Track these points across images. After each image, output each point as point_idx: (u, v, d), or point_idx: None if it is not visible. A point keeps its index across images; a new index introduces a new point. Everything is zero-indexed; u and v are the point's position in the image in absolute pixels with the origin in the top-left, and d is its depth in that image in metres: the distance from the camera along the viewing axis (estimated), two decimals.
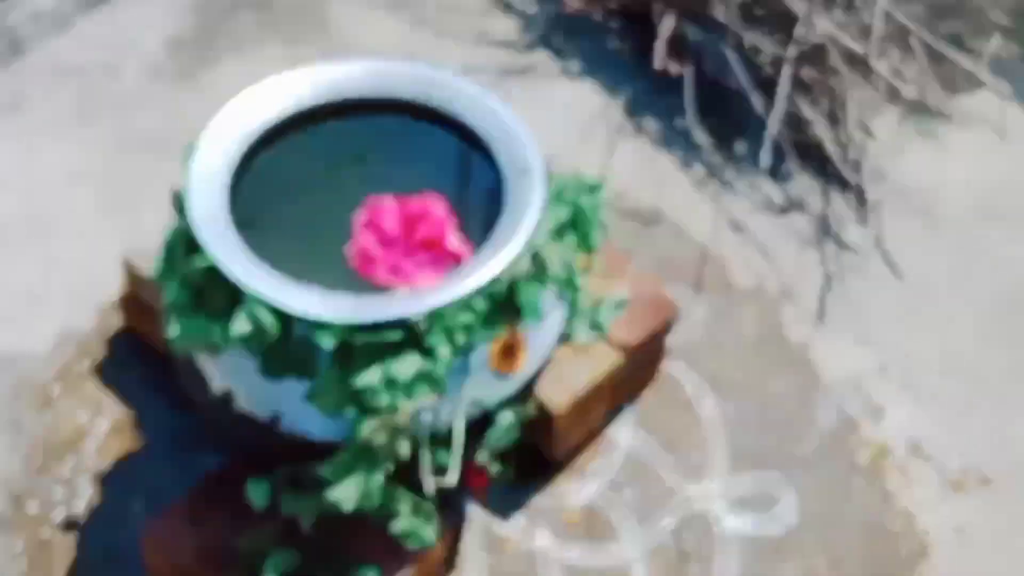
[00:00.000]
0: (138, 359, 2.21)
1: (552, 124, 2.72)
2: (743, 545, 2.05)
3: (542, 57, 2.93)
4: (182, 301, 1.58)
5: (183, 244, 1.61)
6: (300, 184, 1.70)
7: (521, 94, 2.81)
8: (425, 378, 1.52)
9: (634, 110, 2.82)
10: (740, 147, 2.75)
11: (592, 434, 2.16)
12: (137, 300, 2.15)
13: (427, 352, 1.52)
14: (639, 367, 2.15)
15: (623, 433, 2.19)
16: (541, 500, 2.08)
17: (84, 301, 2.30)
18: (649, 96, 2.85)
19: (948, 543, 2.06)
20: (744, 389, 2.28)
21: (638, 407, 2.23)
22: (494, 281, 1.56)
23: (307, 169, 1.72)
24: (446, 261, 1.61)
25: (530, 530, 2.05)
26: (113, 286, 2.30)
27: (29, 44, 2.82)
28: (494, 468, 1.75)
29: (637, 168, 2.69)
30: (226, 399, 1.60)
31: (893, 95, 2.69)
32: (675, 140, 2.75)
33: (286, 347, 1.53)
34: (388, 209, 1.62)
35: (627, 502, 2.10)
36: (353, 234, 1.61)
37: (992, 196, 2.66)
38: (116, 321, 2.26)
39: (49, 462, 2.06)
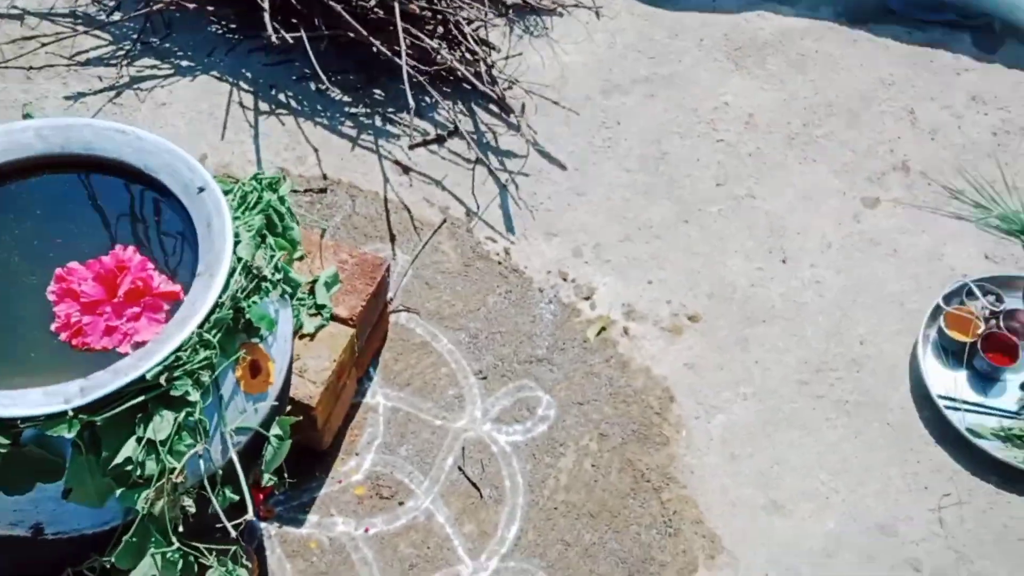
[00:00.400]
0: None
1: (186, 127, 2.64)
2: (520, 453, 2.18)
3: (149, 62, 2.81)
4: None
5: None
6: None
7: (142, 107, 2.69)
8: (185, 429, 1.47)
9: (264, 88, 2.78)
10: (379, 92, 2.80)
11: (351, 409, 2.19)
12: None
13: (178, 403, 1.46)
14: (370, 331, 2.19)
15: (378, 397, 2.24)
16: (326, 490, 2.09)
17: None
18: (273, 70, 2.82)
19: (685, 380, 2.30)
20: (467, 315, 2.38)
21: (381, 367, 2.28)
22: (218, 307, 1.52)
23: None
24: (160, 305, 1.54)
25: (326, 522, 2.06)
26: None
27: None
28: (270, 481, 1.73)
29: (291, 142, 2.67)
30: None
31: (494, 4, 2.83)
32: (316, 105, 2.75)
33: (23, 456, 1.42)
34: (81, 275, 1.52)
35: (406, 457, 2.16)
36: (53, 310, 1.50)
37: (606, 70, 2.91)
38: None
39: None
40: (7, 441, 1.37)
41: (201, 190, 1.63)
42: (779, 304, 2.42)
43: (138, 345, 1.50)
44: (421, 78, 2.65)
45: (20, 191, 1.67)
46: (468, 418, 2.23)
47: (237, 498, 1.58)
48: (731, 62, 2.96)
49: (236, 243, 1.61)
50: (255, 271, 1.62)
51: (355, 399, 2.21)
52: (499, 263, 2.48)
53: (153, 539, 1.48)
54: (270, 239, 1.71)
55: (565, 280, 2.47)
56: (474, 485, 2.13)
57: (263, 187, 1.74)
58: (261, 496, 1.81)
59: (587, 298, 2.44)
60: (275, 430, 1.66)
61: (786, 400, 2.28)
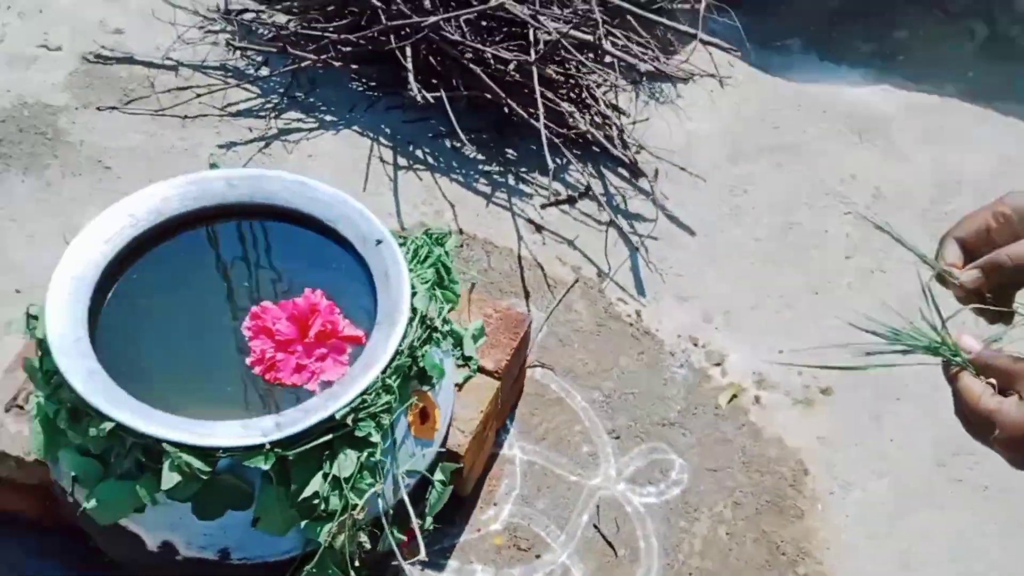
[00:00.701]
0: (11, 533, 2.03)
1: (331, 178, 2.74)
2: (655, 514, 2.20)
3: (294, 116, 2.93)
4: (88, 472, 1.50)
5: (64, 415, 1.52)
6: (160, 314, 1.64)
7: (289, 157, 2.81)
8: (366, 468, 1.53)
9: (403, 144, 2.88)
10: (511, 152, 2.89)
11: (490, 459, 2.23)
12: None
13: (360, 443, 1.53)
14: (511, 384, 2.24)
15: (515, 449, 2.28)
16: (466, 537, 2.13)
17: None
18: (411, 127, 2.93)
19: (818, 453, 2.31)
20: (600, 374, 2.43)
21: (518, 420, 2.33)
22: (398, 355, 1.59)
23: (162, 296, 1.66)
24: (344, 348, 1.62)
25: (466, 568, 2.09)
26: None
27: None
28: (430, 525, 1.78)
29: (428, 198, 2.76)
30: (166, 551, 1.54)
31: (624, 71, 2.92)
32: (452, 162, 2.85)
33: (218, 485, 1.49)
34: (276, 314, 1.61)
35: (543, 510, 2.19)
36: (248, 345, 1.59)
37: (732, 139, 2.97)
38: None
39: None
40: (208, 469, 1.45)
41: (379, 242, 1.72)
42: (913, 383, 2.42)
43: (324, 384, 1.58)
44: (557, 140, 2.73)
45: (212, 235, 1.77)
46: (602, 476, 2.26)
47: (404, 538, 1.64)
48: (855, 135, 3.00)
49: (413, 294, 1.68)
50: (428, 322, 1.69)
51: (493, 449, 2.26)
52: (631, 324, 2.53)
53: (331, 571, 1.54)
54: (438, 292, 1.78)
55: (696, 345, 2.50)
56: (609, 544, 2.15)
57: (433, 241, 1.82)
58: (406, 539, 1.86)
59: (718, 364, 2.47)
60: (439, 475, 1.72)
61: (923, 481, 2.27)
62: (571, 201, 2.78)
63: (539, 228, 2.71)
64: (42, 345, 1.55)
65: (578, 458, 2.28)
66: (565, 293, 2.57)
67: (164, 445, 1.43)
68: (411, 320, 1.64)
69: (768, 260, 2.68)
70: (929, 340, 1.02)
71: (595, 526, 2.17)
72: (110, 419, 1.44)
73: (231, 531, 1.53)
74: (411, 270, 1.73)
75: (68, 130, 2.81)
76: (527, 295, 2.56)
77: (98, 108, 2.87)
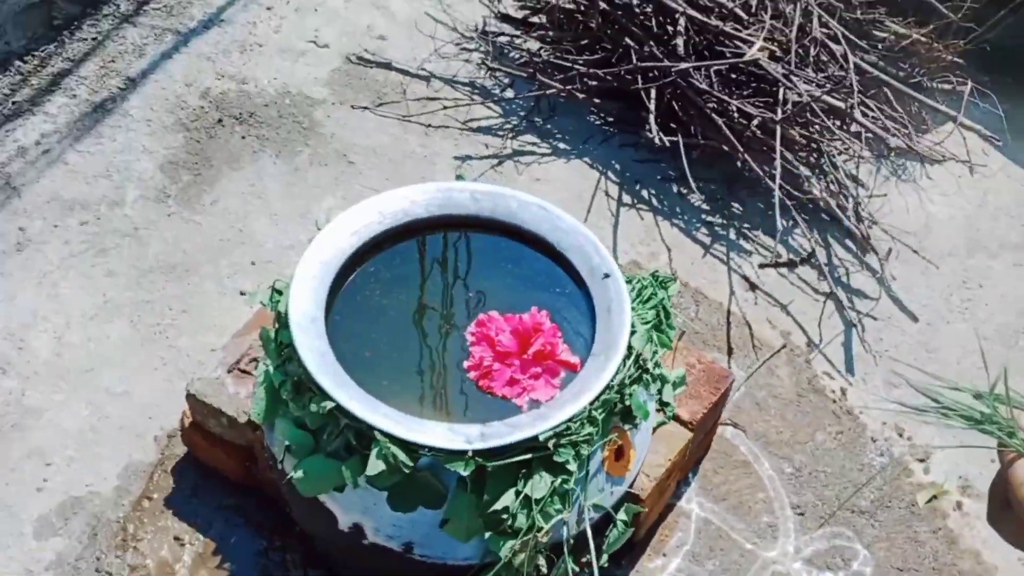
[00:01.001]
0: (209, 488, 2.19)
1: (556, 203, 2.80)
2: None
3: (530, 139, 3.02)
4: (300, 444, 1.59)
5: (288, 386, 1.62)
6: (390, 307, 1.73)
7: (518, 178, 2.90)
8: (557, 493, 1.56)
9: (630, 182, 2.91)
10: (738, 207, 2.86)
11: (666, 509, 2.22)
12: (203, 430, 2.14)
13: (557, 468, 1.56)
14: (703, 436, 2.22)
15: (693, 504, 2.26)
16: None
17: (140, 435, 2.27)
18: (642, 166, 2.95)
19: None
20: (794, 445, 2.37)
21: (701, 475, 2.30)
22: (608, 389, 1.61)
23: (394, 292, 1.75)
24: (558, 371, 1.66)
25: None
26: (166, 416, 2.29)
27: (22, 181, 2.78)
28: (606, 563, 1.79)
29: (645, 238, 2.78)
30: (356, 533, 1.61)
31: (871, 142, 2.84)
32: (675, 207, 2.86)
33: (416, 480, 1.56)
34: (500, 326, 1.67)
35: (711, 572, 2.16)
36: (469, 350, 1.66)
37: (973, 229, 2.83)
38: (178, 451, 2.24)
39: None
40: (411, 464, 1.51)
41: (607, 276, 1.75)
42: None
43: (532, 402, 1.62)
44: (789, 202, 2.69)
45: (448, 242, 1.85)
46: (779, 550, 2.20)
47: (578, 569, 1.65)
48: None
49: (632, 332, 1.70)
50: (641, 362, 1.71)
51: (671, 500, 2.24)
52: (833, 401, 2.46)
53: None
54: (654, 334, 1.79)
55: (901, 435, 2.40)
56: None
57: (658, 284, 1.83)
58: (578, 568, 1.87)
59: (922, 460, 2.36)
60: (622, 515, 1.73)
61: None
62: (792, 265, 2.73)
63: (754, 287, 2.68)
64: (280, 319, 1.66)
65: (756, 526, 2.23)
66: (771, 356, 2.53)
67: (376, 433, 1.51)
68: (626, 357, 1.66)
69: (993, 363, 2.53)
70: (983, 414, 1.01)
71: None
72: (331, 399, 1.53)
73: (419, 527, 1.59)
74: (633, 308, 1.75)
75: (322, 122, 3.00)
76: (730, 352, 2.53)
77: (352, 106, 3.05)
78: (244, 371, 2.11)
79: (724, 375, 2.21)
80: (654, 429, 2.09)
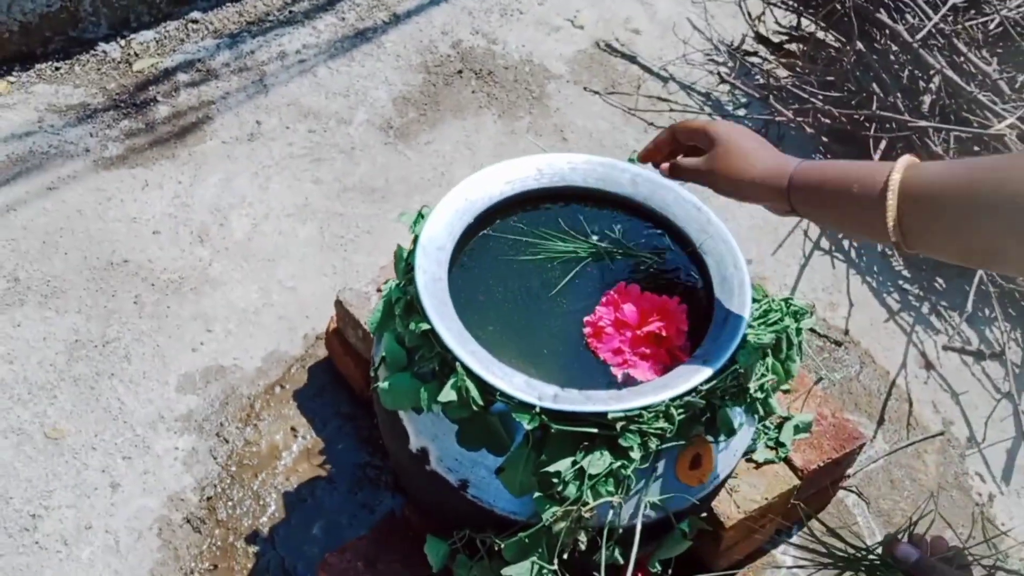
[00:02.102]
0: (334, 392, 2.33)
1: (747, 229, 2.75)
2: None
3: None
4: (395, 358, 1.67)
5: (402, 304, 1.70)
6: (521, 262, 1.77)
7: (719, 199, 2.85)
8: (614, 476, 1.55)
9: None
10: (940, 282, 2.69)
11: (756, 551, 2.14)
12: (342, 337, 2.27)
13: (619, 451, 1.55)
14: (814, 492, 2.12)
15: (788, 557, 2.16)
16: None
17: (294, 328, 2.45)
18: None
19: None
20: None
21: (807, 532, 2.20)
22: (694, 392, 1.58)
23: (529, 249, 1.79)
24: (668, 361, 1.65)
25: None
26: (321, 318, 2.46)
27: (273, 81, 3.05)
28: (654, 568, 1.76)
29: (831, 285, 2.67)
30: (421, 457, 1.67)
31: None
32: (873, 264, 2.72)
33: (485, 421, 1.59)
34: (632, 294, 1.69)
35: None
36: (596, 308, 1.69)
37: None
38: (320, 352, 2.40)
39: (244, 474, 2.19)
40: (482, 403, 1.55)
41: (734, 288, 1.71)
42: None
43: (627, 378, 1.62)
44: (992, 289, 2.50)
45: (594, 214, 1.87)
46: None
47: (622, 561, 1.63)
48: None
49: (739, 348, 1.66)
50: (742, 380, 1.66)
51: (765, 545, 2.16)
52: (976, 504, 2.27)
53: (540, 550, 1.58)
54: (770, 360, 1.73)
55: None
56: None
57: (787, 311, 1.77)
58: (640, 575, 1.85)
59: None
60: (683, 525, 1.69)
61: None
62: (979, 356, 2.54)
63: (930, 366, 2.51)
64: (415, 240, 1.74)
65: None
66: (923, 439, 2.37)
67: (457, 364, 1.56)
68: (723, 369, 1.62)
69: None
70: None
71: None
72: (429, 322, 1.59)
73: (478, 469, 1.63)
74: (750, 326, 1.70)
75: (551, 96, 3.09)
76: (880, 422, 2.40)
77: (584, 88, 3.11)
78: None
79: (856, 436, 2.10)
80: (758, 464, 2.02)
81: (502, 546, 1.60)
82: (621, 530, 1.62)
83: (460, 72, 3.12)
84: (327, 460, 2.25)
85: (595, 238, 1.82)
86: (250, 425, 2.29)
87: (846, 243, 2.77)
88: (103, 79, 2.97)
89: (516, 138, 2.96)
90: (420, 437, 1.68)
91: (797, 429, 2.05)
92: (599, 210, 1.88)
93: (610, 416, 1.54)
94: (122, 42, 3.09)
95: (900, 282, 2.68)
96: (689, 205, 1.83)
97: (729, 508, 1.95)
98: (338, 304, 2.23)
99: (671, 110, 3.06)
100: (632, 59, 3.21)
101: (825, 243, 2.76)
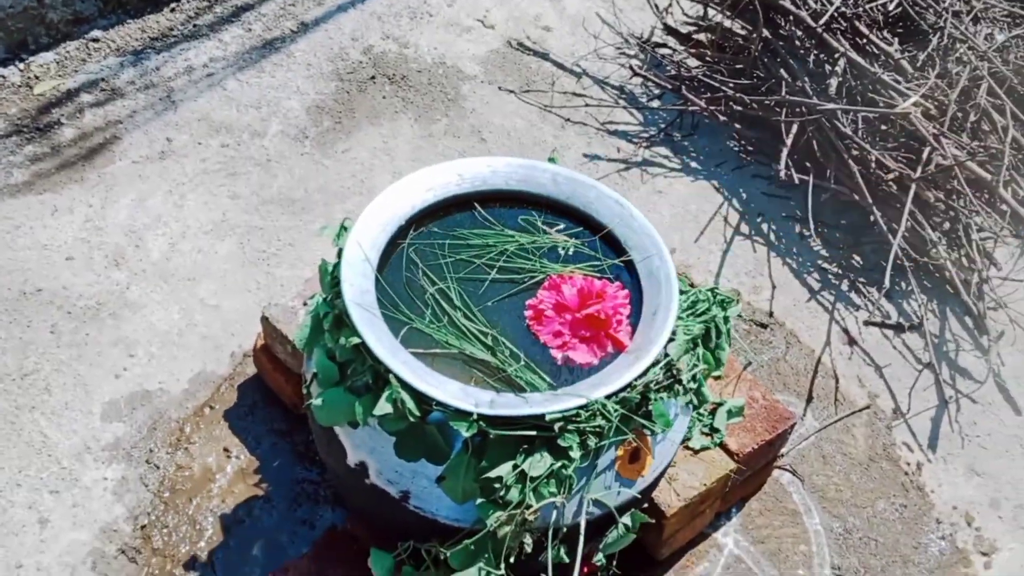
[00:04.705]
0: (266, 409, 2.29)
1: (669, 219, 2.78)
2: None
3: (662, 151, 3.00)
4: (327, 374, 1.65)
5: (330, 319, 1.68)
6: (448, 265, 1.76)
7: (640, 186, 2.88)
8: (555, 477, 1.55)
9: (752, 212, 2.85)
10: (858, 259, 2.76)
11: (698, 536, 2.17)
12: (270, 353, 2.24)
13: (559, 452, 1.55)
14: (750, 474, 2.16)
15: (728, 538, 2.19)
16: None
17: (219, 347, 2.40)
18: (767, 199, 2.88)
19: None
20: (851, 507, 2.26)
21: (744, 513, 2.23)
22: (630, 387, 1.59)
23: (456, 252, 1.78)
24: (605, 345, 1.66)
25: None
26: (247, 335, 2.41)
27: (181, 97, 2.98)
28: (600, 562, 1.77)
29: (753, 269, 2.71)
30: (360, 471, 1.66)
31: (1017, 224, 2.68)
32: (792, 245, 2.78)
33: (422, 431, 1.58)
34: (573, 280, 1.69)
35: None
36: (537, 292, 1.69)
37: None
38: (248, 369, 2.36)
39: (177, 499, 2.14)
40: (418, 413, 1.54)
41: (661, 282, 1.72)
42: None
43: (566, 360, 1.63)
44: (908, 264, 2.57)
45: (520, 217, 1.87)
46: None
47: (567, 560, 1.64)
48: None
49: (671, 340, 1.67)
50: (675, 372, 1.68)
51: (706, 529, 2.19)
52: (906, 474, 2.33)
53: (486, 556, 1.58)
54: (700, 350, 1.76)
55: (969, 524, 2.26)
56: None
57: (714, 301, 1.79)
58: (586, 570, 1.86)
59: (985, 554, 2.21)
60: (627, 519, 1.70)
61: None
62: (898, 329, 2.61)
63: (852, 342, 2.57)
64: (339, 254, 1.72)
65: None
66: (851, 414, 2.43)
67: (390, 376, 1.55)
68: (657, 363, 1.64)
69: None
70: None
71: None
72: (359, 336, 1.58)
73: (418, 478, 1.62)
74: (680, 318, 1.72)
75: (467, 97, 3.08)
76: (809, 400, 2.45)
77: (499, 87, 3.11)
78: None
79: (786, 416, 2.14)
80: (695, 451, 2.05)
81: (448, 555, 1.60)
82: (565, 529, 1.63)
83: (373, 78, 3.09)
84: (263, 478, 2.21)
85: (520, 237, 1.82)
86: (181, 449, 2.24)
87: (765, 227, 2.82)
88: (3, 104, 2.88)
89: (434, 141, 2.95)
90: (358, 451, 1.66)
91: (730, 414, 2.09)
92: (522, 210, 1.88)
93: (548, 418, 1.54)
94: (21, 65, 2.99)
95: (819, 262, 2.74)
96: (611, 201, 1.85)
97: (669, 497, 1.97)
98: (264, 320, 2.20)
99: (586, 105, 3.08)
100: (545, 56, 3.22)
101: (745, 228, 2.80)
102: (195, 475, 2.20)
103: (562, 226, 1.83)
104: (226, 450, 2.25)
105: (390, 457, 1.62)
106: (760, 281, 2.69)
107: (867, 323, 2.61)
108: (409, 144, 2.93)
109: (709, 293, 1.78)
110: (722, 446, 2.06)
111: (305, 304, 2.17)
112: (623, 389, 1.58)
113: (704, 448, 2.04)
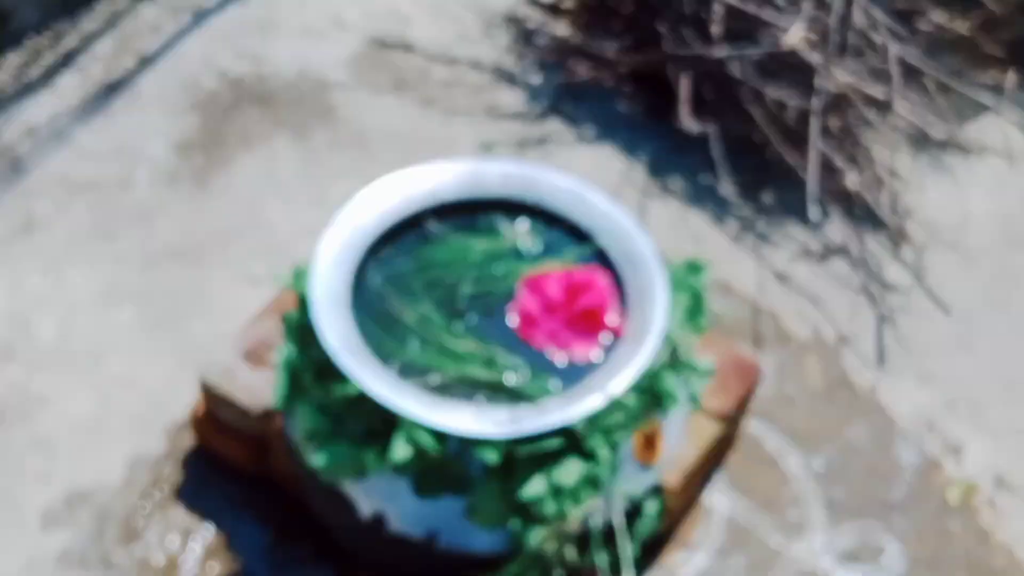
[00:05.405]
0: (218, 479, 2.14)
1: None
2: None
3: (555, 126, 2.95)
4: (320, 429, 1.53)
5: (311, 372, 1.56)
6: (419, 285, 1.66)
7: (541, 164, 2.83)
8: (589, 482, 1.49)
9: (657, 170, 2.84)
10: (768, 198, 2.79)
11: (692, 503, 2.15)
12: (214, 420, 2.08)
13: (588, 455, 1.49)
14: (733, 429, 2.15)
15: (718, 498, 2.19)
16: (654, 574, 2.06)
17: (148, 424, 2.22)
18: (669, 155, 2.88)
19: None
20: (823, 440, 2.30)
21: (726, 470, 2.23)
22: (641, 375, 1.55)
23: (422, 271, 1.68)
24: (600, 333, 1.60)
25: None
26: (177, 405, 2.23)
27: (30, 161, 2.73)
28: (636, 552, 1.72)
29: (672, 228, 2.71)
30: (377, 522, 1.55)
31: (910, 134, 2.77)
32: (703, 197, 2.79)
33: (441, 465, 1.49)
34: (553, 276, 1.62)
35: (737, 568, 2.09)
36: (518, 299, 1.61)
37: (1015, 222, 2.76)
38: (187, 441, 2.19)
39: None
40: (440, 448, 1.45)
41: (643, 263, 1.68)
42: None
43: (569, 359, 1.57)
44: (822, 193, 2.62)
45: (477, 222, 1.78)
46: (807, 546, 2.14)
47: (608, 559, 1.59)
48: None
49: (667, 317, 1.63)
50: (674, 348, 1.64)
51: (697, 493, 2.17)
52: (864, 396, 2.39)
53: (532, 575, 1.51)
54: (688, 321, 1.73)
55: (932, 430, 2.33)
56: None
57: (690, 271, 1.76)
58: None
59: (954, 455, 2.29)
60: (654, 506, 1.66)
61: None
62: (824, 258, 2.66)
63: (783, 279, 2.61)
64: (303, 301, 1.60)
65: (784, 522, 2.17)
66: (799, 351, 2.46)
67: (401, 418, 1.44)
68: (660, 343, 1.59)
69: None
70: None
71: None
72: (356, 383, 1.46)
73: (443, 515, 1.53)
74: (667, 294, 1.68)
75: (341, 105, 2.94)
76: (757, 345, 2.46)
77: (372, 89, 2.99)
78: (259, 359, 2.04)
79: (753, 367, 2.15)
80: None
81: None
82: (601, 529, 1.57)
83: (236, 102, 2.91)
84: (234, 552, 2.06)
85: (483, 243, 1.73)
86: (138, 542, 2.06)
87: (673, 183, 2.81)
88: None
89: (317, 157, 2.81)
90: (371, 501, 1.55)
91: (704, 376, 2.06)
92: (479, 216, 1.79)
93: (573, 424, 1.47)
94: None
95: (733, 208, 2.76)
96: (569, 190, 1.78)
97: (670, 473, 1.94)
98: (204, 387, 2.04)
99: (468, 92, 2.99)
100: (411, 49, 3.10)
101: (655, 187, 2.79)
102: (160, 566, 2.03)
103: (523, 223, 1.75)
104: (185, 532, 2.08)
105: (409, 500, 1.52)
106: (680, 237, 2.69)
107: (794, 258, 2.65)
108: (292, 164, 2.78)
109: (684, 264, 1.75)
110: (704, 410, 2.04)
111: (245, 360, 2.02)
112: (637, 377, 1.53)
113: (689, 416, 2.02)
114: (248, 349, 2.04)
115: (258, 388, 1.98)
